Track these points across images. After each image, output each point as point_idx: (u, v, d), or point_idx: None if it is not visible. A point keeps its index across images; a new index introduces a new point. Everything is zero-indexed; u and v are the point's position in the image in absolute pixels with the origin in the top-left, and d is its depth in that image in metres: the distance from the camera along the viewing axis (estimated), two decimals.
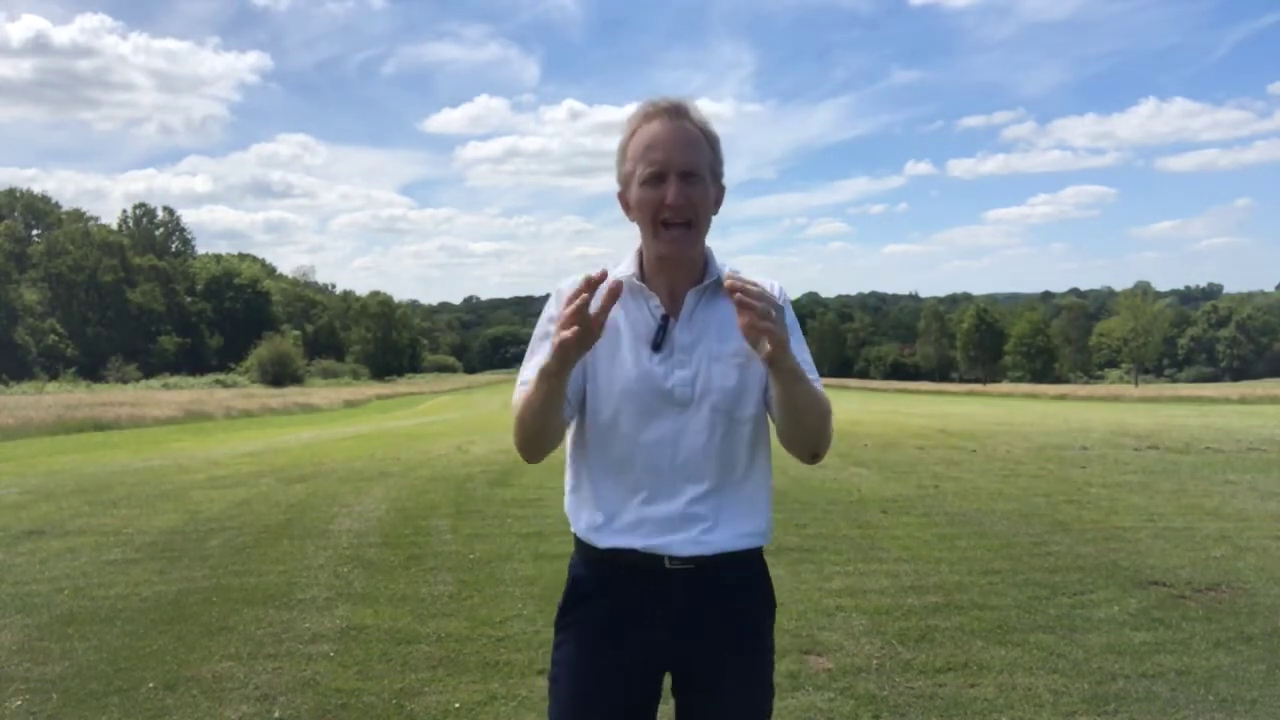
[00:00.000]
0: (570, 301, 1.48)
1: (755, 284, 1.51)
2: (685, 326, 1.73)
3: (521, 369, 1.77)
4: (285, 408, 34.15)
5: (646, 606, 1.72)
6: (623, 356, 1.72)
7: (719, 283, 1.76)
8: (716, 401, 1.70)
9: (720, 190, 1.78)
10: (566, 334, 1.48)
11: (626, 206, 1.76)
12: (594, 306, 1.49)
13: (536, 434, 1.69)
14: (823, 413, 1.70)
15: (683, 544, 1.70)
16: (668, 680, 1.83)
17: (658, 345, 1.72)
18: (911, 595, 5.18)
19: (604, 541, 1.73)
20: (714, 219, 1.78)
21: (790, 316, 1.80)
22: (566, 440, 1.83)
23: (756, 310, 1.48)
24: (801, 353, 1.71)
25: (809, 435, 1.71)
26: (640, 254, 1.80)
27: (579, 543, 1.80)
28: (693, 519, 1.70)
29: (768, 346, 1.52)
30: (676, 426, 1.70)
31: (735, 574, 1.76)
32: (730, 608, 1.75)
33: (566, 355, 1.52)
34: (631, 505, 1.72)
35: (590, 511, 1.76)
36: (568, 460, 1.84)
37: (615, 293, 1.50)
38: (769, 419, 1.80)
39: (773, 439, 1.84)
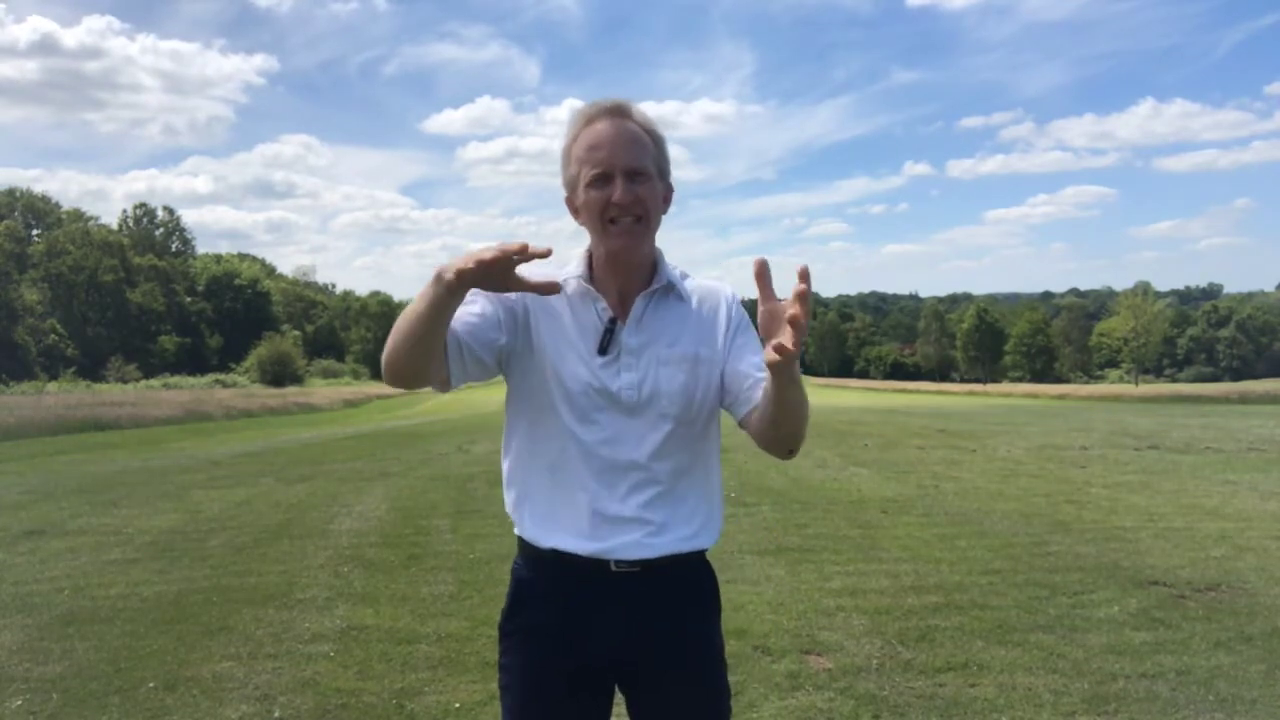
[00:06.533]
0: (514, 253, 1.37)
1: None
2: (634, 330, 1.72)
3: None
4: (285, 408, 34.05)
5: (593, 610, 1.71)
6: (569, 358, 1.69)
7: (668, 286, 1.76)
8: (665, 405, 1.69)
9: (669, 189, 1.76)
10: (487, 255, 1.35)
11: (575, 211, 1.75)
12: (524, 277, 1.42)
13: (409, 346, 1.53)
14: (806, 413, 1.71)
15: (628, 547, 1.68)
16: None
17: (604, 349, 1.70)
18: (911, 595, 5.17)
19: (548, 541, 1.71)
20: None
21: (742, 315, 1.80)
22: (507, 442, 1.81)
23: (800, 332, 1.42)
24: (755, 352, 1.73)
25: (792, 436, 1.71)
26: (589, 255, 1.78)
27: (522, 544, 1.78)
28: (638, 522, 1.69)
29: (777, 357, 1.46)
30: (623, 430, 1.69)
31: (681, 576, 1.75)
32: (677, 610, 1.75)
33: (464, 275, 1.39)
34: (577, 507, 1.70)
35: (534, 512, 1.74)
36: (509, 461, 1.81)
37: (549, 290, 1.44)
38: (719, 420, 1.80)
39: (727, 436, 1.85)
